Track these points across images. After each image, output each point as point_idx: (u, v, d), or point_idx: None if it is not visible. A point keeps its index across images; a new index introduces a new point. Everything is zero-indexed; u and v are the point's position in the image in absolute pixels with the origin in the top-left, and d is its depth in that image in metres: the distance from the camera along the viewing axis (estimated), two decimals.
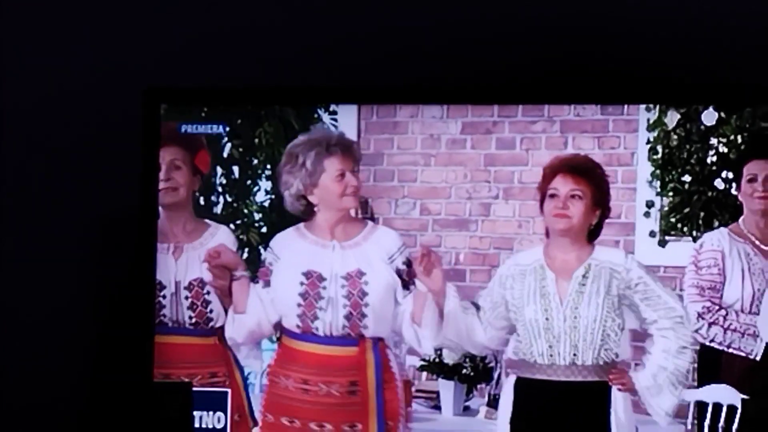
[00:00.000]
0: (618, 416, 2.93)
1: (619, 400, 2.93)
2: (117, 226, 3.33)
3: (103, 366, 3.37)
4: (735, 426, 3.00)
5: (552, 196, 2.98)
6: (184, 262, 3.14)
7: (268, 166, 3.26)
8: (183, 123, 3.17)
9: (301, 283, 3.04)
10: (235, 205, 3.27)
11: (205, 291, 3.13)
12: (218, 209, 3.25)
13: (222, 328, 3.14)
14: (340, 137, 3.09)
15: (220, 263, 3.09)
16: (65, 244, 3.42)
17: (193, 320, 3.13)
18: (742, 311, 3.05)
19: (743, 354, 2.99)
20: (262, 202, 3.27)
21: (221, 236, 3.15)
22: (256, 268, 3.10)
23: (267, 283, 3.09)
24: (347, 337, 3.05)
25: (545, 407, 2.97)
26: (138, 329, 3.14)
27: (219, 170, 3.24)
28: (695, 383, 3.05)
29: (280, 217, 3.21)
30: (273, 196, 3.24)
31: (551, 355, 2.95)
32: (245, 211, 3.28)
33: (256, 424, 3.13)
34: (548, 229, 3.02)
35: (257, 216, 3.28)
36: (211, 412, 3.13)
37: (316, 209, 3.08)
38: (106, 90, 3.39)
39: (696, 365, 3.07)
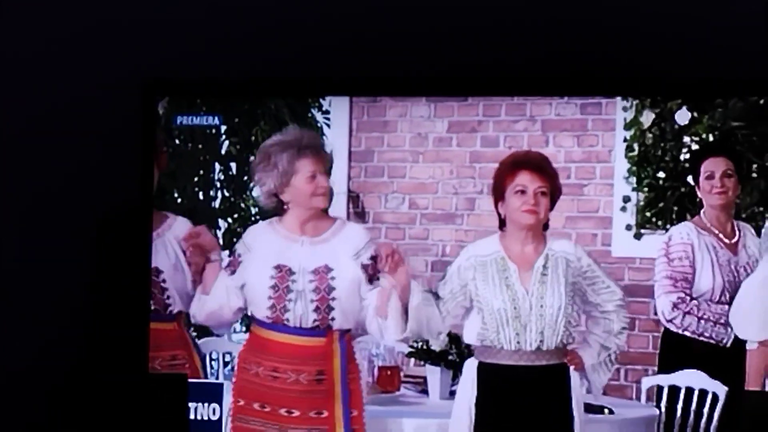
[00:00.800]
0: (576, 393, 3.05)
1: (575, 379, 3.05)
2: (112, 217, 3.36)
3: (97, 358, 3.38)
4: (705, 409, 3.09)
5: (519, 192, 3.05)
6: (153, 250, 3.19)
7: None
8: (179, 115, 3.22)
9: (272, 276, 3.10)
10: (232, 199, 3.33)
11: (161, 279, 3.19)
12: (216, 204, 3.32)
13: (180, 313, 3.21)
14: (312, 138, 3.14)
15: (197, 243, 3.15)
16: (61, 238, 3.42)
17: (153, 307, 3.18)
18: (712, 301, 3.13)
19: (714, 342, 3.09)
20: (258, 197, 3.28)
21: (179, 225, 3.22)
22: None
23: (233, 272, 3.15)
24: (316, 329, 3.10)
25: (511, 390, 3.05)
26: (131, 321, 3.20)
27: (217, 166, 3.31)
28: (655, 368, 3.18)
29: (274, 212, 3.21)
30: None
31: (518, 342, 3.03)
32: (242, 205, 3.34)
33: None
34: (506, 221, 3.08)
35: (254, 210, 3.33)
36: (206, 404, 3.18)
37: (286, 207, 3.13)
38: (101, 82, 3.40)
39: (659, 351, 3.19)
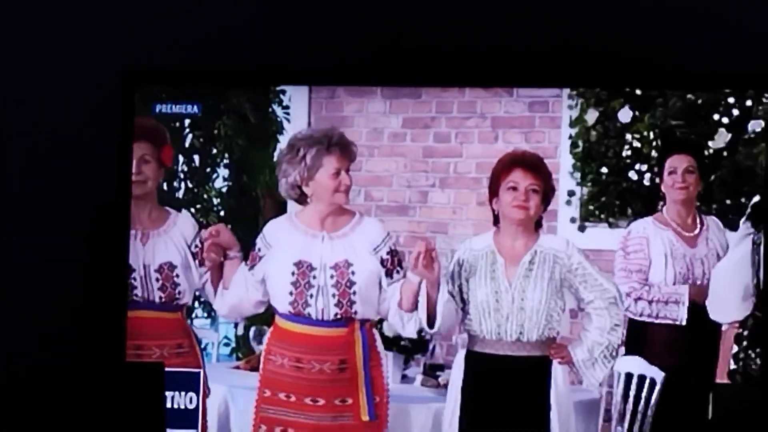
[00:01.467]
0: (558, 386, 3.10)
1: (558, 372, 3.11)
2: (92, 208, 3.36)
3: (75, 347, 3.36)
4: (645, 394, 3.19)
5: (512, 188, 3.11)
6: (151, 246, 3.24)
7: (226, 156, 3.39)
8: (158, 103, 3.26)
9: (293, 273, 3.13)
10: (195, 190, 3.39)
11: (174, 274, 3.25)
12: (180, 194, 3.37)
13: (185, 305, 3.26)
14: (341, 137, 3.17)
15: (217, 241, 3.20)
16: (40, 228, 3.41)
17: (163, 299, 3.24)
18: (665, 285, 3.24)
19: (670, 321, 3.19)
20: (220, 188, 3.40)
21: (183, 221, 3.28)
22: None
23: (252, 267, 3.19)
24: (337, 320, 3.14)
25: (492, 378, 3.11)
26: (110, 312, 3.21)
27: (181, 158, 3.35)
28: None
29: (236, 202, 3.37)
30: (230, 183, 3.38)
31: (499, 333, 3.10)
32: (205, 196, 3.40)
33: (208, 392, 3.24)
34: (499, 216, 3.15)
35: (216, 201, 3.40)
36: (183, 393, 3.22)
37: (309, 200, 3.17)
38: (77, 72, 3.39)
39: (624, 338, 3.24)
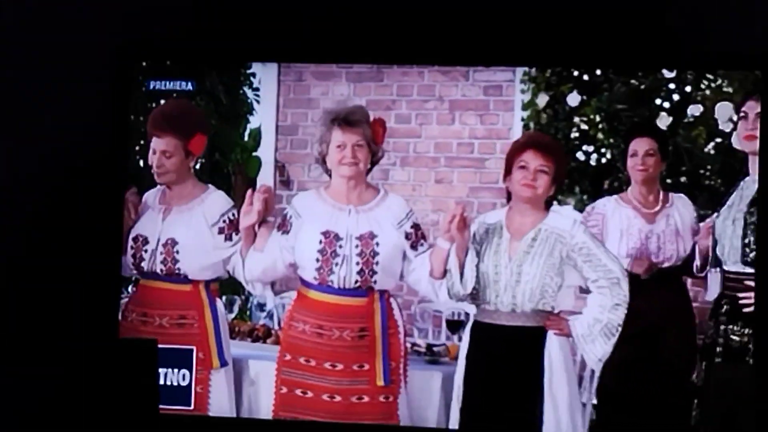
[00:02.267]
0: (551, 355, 3.19)
1: (554, 342, 3.19)
2: (88, 180, 3.40)
3: (69, 321, 3.39)
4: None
5: (522, 167, 3.18)
6: (170, 221, 3.35)
7: None
8: (151, 80, 3.35)
9: (320, 241, 3.24)
10: None
11: (175, 250, 3.33)
12: None
13: (195, 280, 3.35)
14: (350, 113, 3.25)
15: (268, 199, 3.29)
16: (36, 204, 3.44)
17: (164, 272, 3.32)
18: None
19: None
20: (194, 165, 3.43)
21: (212, 199, 3.36)
22: None
23: (286, 232, 3.28)
24: (358, 289, 3.25)
25: (491, 346, 3.22)
26: (104, 286, 3.32)
27: None
28: None
29: (210, 178, 3.46)
30: (204, 160, 3.47)
31: (496, 304, 3.20)
32: None
33: (224, 363, 3.35)
34: (511, 194, 3.23)
35: None
36: (176, 370, 3.31)
37: (329, 174, 3.29)
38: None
39: None
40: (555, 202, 3.27)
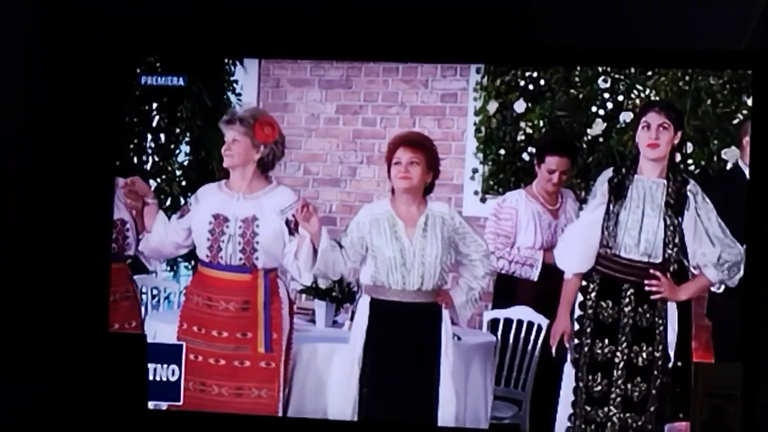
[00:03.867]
0: (446, 326, 3.46)
1: (446, 314, 3.47)
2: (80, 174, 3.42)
3: (58, 317, 3.39)
4: (532, 336, 3.61)
5: (396, 163, 3.41)
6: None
7: (188, 134, 3.70)
8: (143, 75, 3.48)
9: (210, 222, 3.46)
10: (161, 163, 3.70)
11: (125, 228, 3.53)
12: (148, 167, 3.66)
13: (131, 256, 3.56)
14: (233, 113, 3.42)
15: (133, 189, 3.49)
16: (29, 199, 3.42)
17: (115, 251, 3.51)
18: (525, 248, 3.62)
19: (524, 277, 3.60)
20: (182, 162, 3.71)
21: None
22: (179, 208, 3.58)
23: (181, 216, 3.50)
24: (242, 266, 3.46)
25: (395, 321, 3.44)
26: (93, 284, 3.38)
27: (149, 137, 3.65)
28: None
29: (196, 174, 3.70)
30: (191, 158, 3.71)
31: (404, 283, 3.42)
32: (169, 168, 3.70)
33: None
34: (394, 188, 3.44)
35: (178, 172, 3.71)
36: (165, 365, 3.43)
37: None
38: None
39: (492, 290, 3.64)
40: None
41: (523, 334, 3.67)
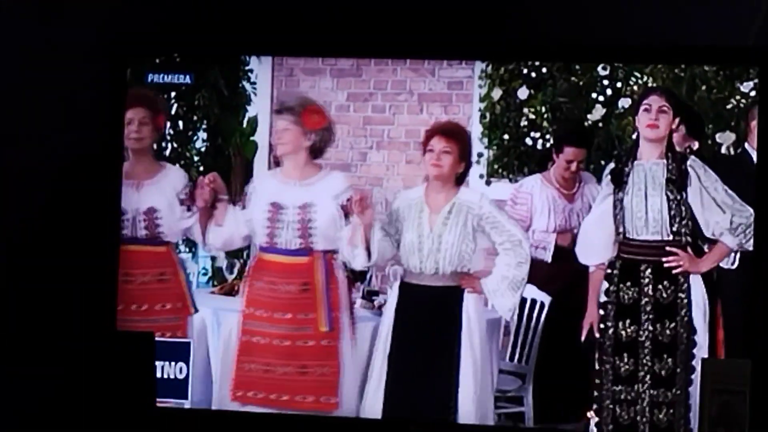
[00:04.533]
0: (468, 311, 3.59)
1: (470, 299, 3.59)
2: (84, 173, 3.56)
3: (67, 312, 3.50)
4: (535, 313, 3.73)
5: (430, 150, 3.57)
6: (144, 194, 3.67)
7: (205, 122, 3.79)
8: (150, 72, 3.59)
9: (268, 210, 3.62)
10: (179, 150, 3.80)
11: (155, 216, 3.67)
12: (167, 153, 3.77)
13: (169, 242, 3.70)
14: (284, 103, 3.61)
15: (214, 186, 3.66)
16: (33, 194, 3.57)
17: (147, 236, 3.66)
18: (544, 231, 3.71)
19: (538, 259, 3.70)
20: (200, 148, 3.80)
21: (172, 174, 3.69)
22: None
23: (243, 207, 3.66)
24: (300, 250, 3.62)
25: (416, 303, 3.61)
26: (101, 279, 3.45)
27: (168, 123, 3.74)
28: None
29: (212, 160, 3.79)
30: (208, 144, 3.80)
31: (421, 268, 3.58)
32: (187, 154, 3.81)
33: (195, 310, 3.72)
34: (427, 174, 3.61)
35: (196, 158, 3.82)
36: (173, 363, 3.55)
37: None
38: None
39: None
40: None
41: (526, 311, 3.76)
